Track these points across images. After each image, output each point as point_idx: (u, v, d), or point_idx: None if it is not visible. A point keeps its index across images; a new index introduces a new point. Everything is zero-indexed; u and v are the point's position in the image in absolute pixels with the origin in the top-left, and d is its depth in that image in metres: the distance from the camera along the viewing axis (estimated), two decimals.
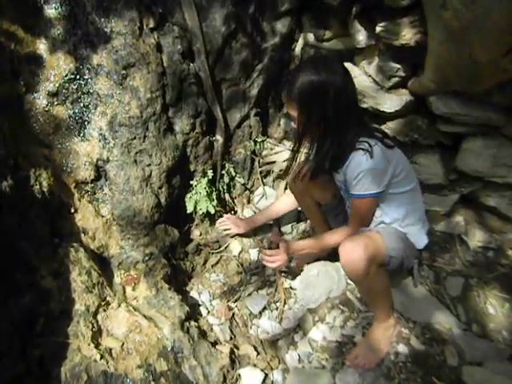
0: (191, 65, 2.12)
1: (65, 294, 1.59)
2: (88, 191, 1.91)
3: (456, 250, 2.20)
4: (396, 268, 1.61)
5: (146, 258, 1.92)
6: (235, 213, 2.40)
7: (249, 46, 2.31)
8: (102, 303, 1.66)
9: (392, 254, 1.55)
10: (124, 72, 1.92)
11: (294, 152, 1.61)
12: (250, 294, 1.97)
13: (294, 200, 2.04)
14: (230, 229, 2.19)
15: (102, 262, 1.85)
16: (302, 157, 1.68)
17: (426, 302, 1.86)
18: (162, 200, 1.99)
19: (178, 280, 1.99)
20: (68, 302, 1.59)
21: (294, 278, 2.01)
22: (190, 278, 2.07)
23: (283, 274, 2.04)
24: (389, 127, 2.33)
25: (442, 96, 2.08)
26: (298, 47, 2.56)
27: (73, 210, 1.85)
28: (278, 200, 2.19)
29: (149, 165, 1.95)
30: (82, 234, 1.85)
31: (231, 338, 1.80)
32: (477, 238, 2.25)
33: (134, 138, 1.93)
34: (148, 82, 1.93)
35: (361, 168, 1.47)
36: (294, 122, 1.57)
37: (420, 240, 1.70)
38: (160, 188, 1.99)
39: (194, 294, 1.99)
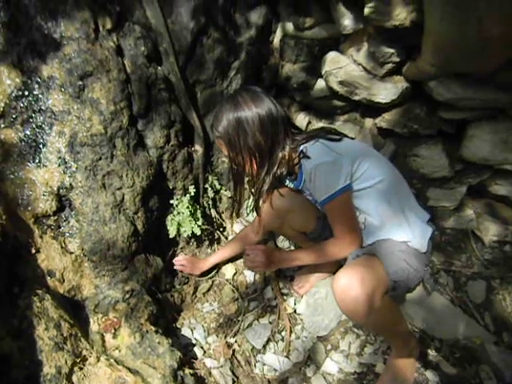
0: (159, 68, 1.85)
1: (29, 357, 1.32)
2: (51, 226, 1.63)
3: (472, 249, 2.00)
4: (404, 290, 1.37)
5: (127, 296, 1.66)
6: (224, 229, 2.15)
7: (222, 41, 2.05)
8: (77, 360, 1.39)
9: (395, 278, 1.31)
10: (80, 83, 1.64)
11: (236, 191, 1.54)
12: (250, 325, 1.73)
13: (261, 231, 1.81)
14: (186, 268, 1.90)
15: (75, 308, 1.59)
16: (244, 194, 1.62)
17: (449, 315, 1.66)
18: (139, 226, 1.73)
19: (166, 317, 1.73)
20: (34, 366, 1.31)
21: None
22: (179, 312, 1.81)
23: (285, 297, 1.80)
24: (385, 119, 2.12)
25: (444, 80, 1.86)
26: (277, 39, 2.32)
27: (34, 251, 1.57)
28: (242, 233, 1.94)
29: (120, 188, 1.69)
30: (48, 277, 1.57)
31: (234, 382, 1.55)
32: (491, 233, 2.06)
33: (100, 158, 1.66)
34: (110, 93, 1.66)
35: (307, 173, 1.39)
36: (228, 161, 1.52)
37: (422, 239, 1.44)
38: (135, 213, 1.72)
39: (185, 331, 1.73)
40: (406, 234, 1.42)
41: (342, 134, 1.49)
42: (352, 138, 1.53)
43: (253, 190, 1.52)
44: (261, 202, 1.52)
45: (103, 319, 1.58)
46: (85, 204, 1.64)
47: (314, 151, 1.37)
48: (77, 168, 1.64)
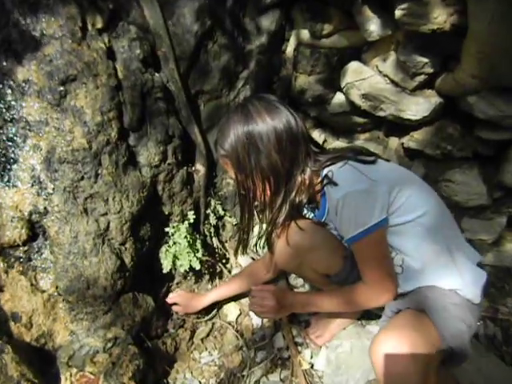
0: (156, 75, 1.60)
1: None
2: (19, 258, 1.36)
3: None
4: (462, 359, 1.07)
5: (109, 345, 1.37)
6: (227, 261, 1.86)
7: (230, 48, 1.81)
8: None
9: (453, 344, 1.01)
10: (62, 89, 1.38)
11: (243, 222, 1.26)
12: (257, 383, 1.43)
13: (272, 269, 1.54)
14: (179, 307, 1.62)
15: (44, 359, 1.31)
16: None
17: (501, 376, 1.36)
18: (127, 260, 1.45)
19: (156, 370, 1.43)
20: None
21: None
22: (172, 363, 1.51)
23: (299, 348, 1.50)
24: (414, 139, 1.86)
25: (486, 94, 1.61)
26: (290, 48, 2.08)
27: None
28: (250, 268, 1.65)
29: (105, 214, 1.41)
30: (12, 323, 1.29)
31: None
32: None
33: (82, 178, 1.39)
34: (97, 101, 1.41)
35: (332, 203, 1.12)
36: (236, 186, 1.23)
37: (475, 286, 1.15)
38: (123, 244, 1.44)
39: None
40: (454, 281, 1.14)
41: (375, 155, 1.22)
42: (387, 160, 1.25)
43: (265, 222, 1.24)
44: (274, 235, 1.25)
45: (77, 376, 1.29)
46: (61, 233, 1.36)
47: (343, 176, 1.10)
48: (54, 189, 1.37)
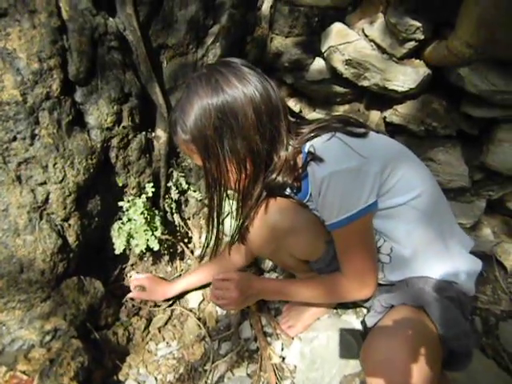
0: (110, 19, 1.34)
1: None
2: None
3: (495, 278, 1.64)
4: (465, 362, 0.94)
5: (47, 339, 1.17)
6: (190, 240, 1.67)
7: None
8: None
9: (457, 346, 0.89)
10: None
11: (213, 220, 1.06)
12: (221, 378, 1.27)
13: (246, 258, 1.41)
14: (144, 293, 1.43)
15: None
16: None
17: (481, 370, 1.27)
18: (71, 239, 1.23)
19: (105, 366, 1.24)
20: None
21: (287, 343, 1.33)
22: (124, 357, 1.32)
23: (269, 339, 1.35)
24: (398, 113, 1.72)
25: (479, 67, 1.49)
26: (267, 4, 1.86)
27: None
28: (223, 253, 1.42)
29: (43, 183, 1.17)
30: None
31: None
32: None
33: (14, 138, 1.14)
34: (33, 44, 1.14)
35: (316, 182, 0.94)
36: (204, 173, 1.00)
37: (470, 277, 1.06)
38: (66, 220, 1.22)
39: None
40: (448, 271, 1.03)
41: (365, 126, 1.05)
42: (377, 132, 1.09)
43: (239, 213, 1.06)
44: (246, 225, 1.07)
45: (7, 376, 1.08)
46: None
47: (330, 151, 0.93)
48: None
